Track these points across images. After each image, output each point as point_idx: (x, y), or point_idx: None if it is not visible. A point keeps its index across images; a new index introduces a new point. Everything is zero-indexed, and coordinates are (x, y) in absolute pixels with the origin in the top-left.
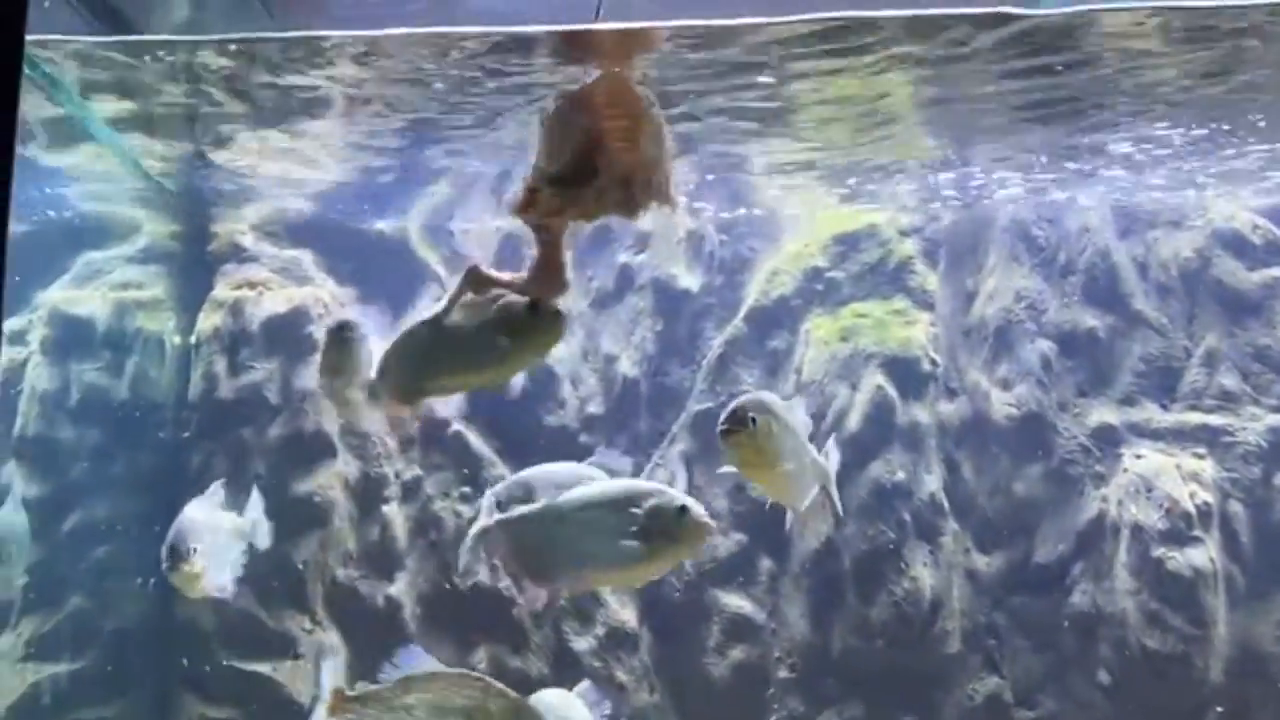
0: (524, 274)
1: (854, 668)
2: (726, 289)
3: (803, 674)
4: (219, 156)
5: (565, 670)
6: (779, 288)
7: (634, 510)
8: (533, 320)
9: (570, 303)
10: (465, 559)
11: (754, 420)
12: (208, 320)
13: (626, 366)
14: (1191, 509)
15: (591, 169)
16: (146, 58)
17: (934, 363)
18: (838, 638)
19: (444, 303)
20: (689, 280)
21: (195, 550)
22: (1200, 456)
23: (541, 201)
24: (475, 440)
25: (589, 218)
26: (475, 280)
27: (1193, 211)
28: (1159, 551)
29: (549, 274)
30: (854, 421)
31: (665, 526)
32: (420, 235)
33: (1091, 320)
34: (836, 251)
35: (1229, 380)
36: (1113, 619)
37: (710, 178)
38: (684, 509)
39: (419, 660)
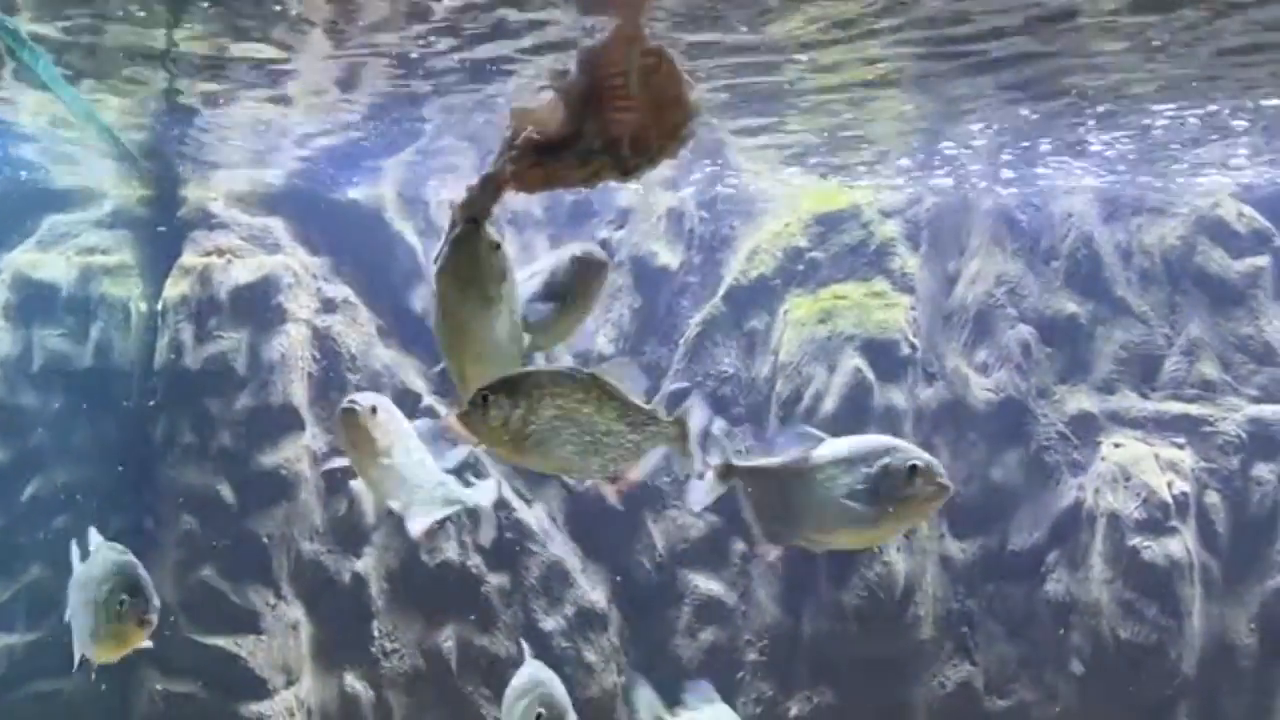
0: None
1: (824, 652)
2: (706, 267)
3: (773, 658)
4: (190, 119)
5: (533, 650)
6: (758, 267)
7: (865, 469)
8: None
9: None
10: (698, 497)
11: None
12: (175, 287)
13: (602, 344)
14: (1169, 499)
15: (573, 134)
16: (119, 12)
17: (913, 346)
18: (809, 622)
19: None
20: (668, 257)
21: (158, 608)
22: (1179, 446)
23: (523, 173)
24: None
25: (582, 184)
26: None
27: (1177, 198)
28: (1135, 541)
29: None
30: (830, 404)
31: (894, 487)
32: (395, 205)
33: (1073, 307)
34: (817, 231)
35: (1210, 370)
36: (1087, 608)
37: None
38: (914, 469)
39: (704, 693)
